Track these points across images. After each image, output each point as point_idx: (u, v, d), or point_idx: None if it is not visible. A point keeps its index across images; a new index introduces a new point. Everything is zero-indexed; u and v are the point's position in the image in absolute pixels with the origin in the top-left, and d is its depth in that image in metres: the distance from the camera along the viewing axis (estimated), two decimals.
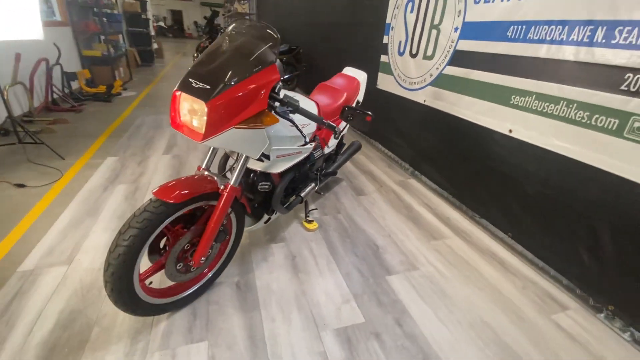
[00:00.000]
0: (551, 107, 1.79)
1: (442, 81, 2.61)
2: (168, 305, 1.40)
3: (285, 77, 1.27)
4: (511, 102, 2.02)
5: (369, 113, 1.32)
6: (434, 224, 2.30)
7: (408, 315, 1.54)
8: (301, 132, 1.46)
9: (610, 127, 1.53)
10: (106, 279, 1.12)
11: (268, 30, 1.23)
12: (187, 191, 1.21)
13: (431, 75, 2.72)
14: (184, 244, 1.32)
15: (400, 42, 3.11)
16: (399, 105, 3.20)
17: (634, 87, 1.43)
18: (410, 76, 3.00)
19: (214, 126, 1.11)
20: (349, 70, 2.56)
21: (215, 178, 1.35)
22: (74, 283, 1.57)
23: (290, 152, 1.57)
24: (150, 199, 1.19)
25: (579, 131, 1.66)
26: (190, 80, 1.14)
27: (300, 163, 1.81)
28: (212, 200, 1.35)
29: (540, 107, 1.85)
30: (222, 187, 1.33)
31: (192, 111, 1.15)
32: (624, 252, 1.54)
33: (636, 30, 1.41)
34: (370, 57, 3.63)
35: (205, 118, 1.10)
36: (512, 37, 1.98)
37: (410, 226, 2.25)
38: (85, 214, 2.11)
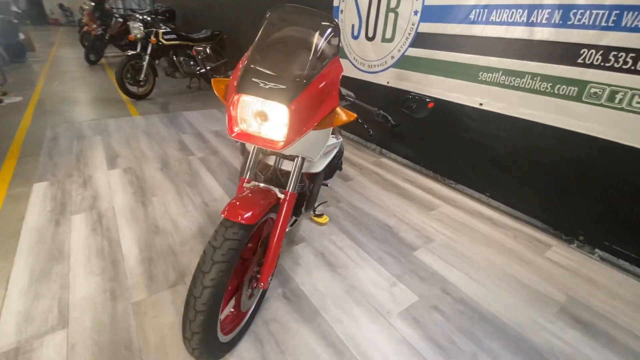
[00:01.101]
0: (517, 80, 2.08)
1: (405, 63, 2.77)
2: (235, 338, 1.23)
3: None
4: (479, 78, 2.27)
5: (431, 99, 1.30)
6: (423, 197, 2.50)
7: (449, 283, 1.68)
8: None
9: (570, 94, 1.87)
10: (193, 331, 0.93)
11: (324, 17, 1.12)
12: (258, 208, 1.07)
13: (393, 57, 2.86)
14: (254, 266, 1.17)
15: (353, 25, 3.15)
16: (359, 88, 3.27)
17: (588, 60, 1.77)
18: (369, 59, 3.09)
19: (296, 131, 0.99)
20: None
21: (271, 187, 1.21)
22: (89, 348, 1.25)
23: (331, 147, 1.50)
24: (224, 225, 1.01)
25: (543, 99, 1.99)
26: (255, 80, 0.98)
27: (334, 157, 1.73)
28: (271, 213, 1.21)
29: (507, 82, 2.13)
30: (282, 196, 1.20)
31: (262, 116, 1.00)
32: (585, 193, 1.95)
33: (587, 12, 1.73)
34: None
35: (287, 122, 0.96)
36: (475, 19, 2.21)
37: (405, 202, 2.40)
38: (48, 260, 1.65)
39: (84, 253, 1.72)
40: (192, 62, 4.85)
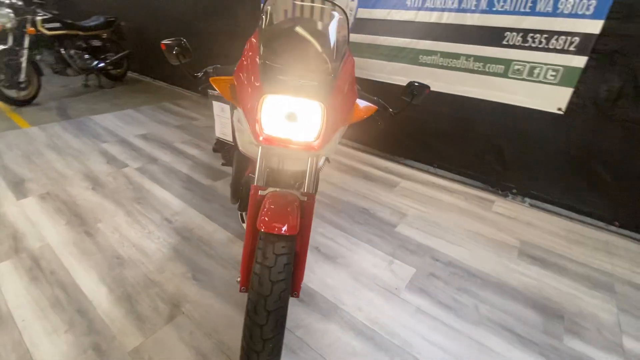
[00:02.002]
0: (454, 61, 2.34)
1: None
2: None
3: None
4: (420, 60, 2.48)
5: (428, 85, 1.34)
6: (382, 176, 2.66)
7: (434, 250, 1.86)
8: None
9: (498, 71, 2.19)
10: None
11: (331, 5, 1.05)
12: (293, 215, 0.99)
13: None
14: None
15: (286, 11, 3.04)
16: None
17: (511, 41, 2.08)
18: None
19: (331, 129, 0.94)
20: None
21: (290, 191, 1.14)
22: None
23: None
24: (270, 241, 0.91)
25: (476, 77, 2.28)
26: (282, 77, 0.89)
27: None
28: None
29: (445, 63, 2.38)
30: (305, 198, 1.14)
31: (292, 116, 0.91)
32: (513, 153, 2.35)
33: (509, 0, 2.02)
34: (246, 29, 3.38)
35: (322, 121, 0.91)
36: (411, 5, 2.38)
37: (370, 184, 2.53)
38: None
39: (33, 309, 1.36)
40: (86, 56, 4.05)
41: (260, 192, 1.12)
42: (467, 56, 2.27)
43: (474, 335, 1.39)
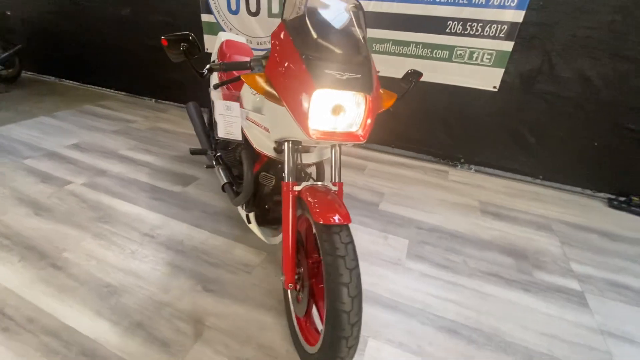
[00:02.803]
0: (405, 49, 2.55)
1: None
2: None
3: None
4: (374, 49, 2.63)
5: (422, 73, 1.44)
6: (351, 161, 2.80)
7: (417, 221, 2.08)
8: None
9: (444, 56, 2.47)
10: (350, 345, 0.90)
11: None
12: (341, 205, 1.03)
13: None
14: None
15: (306, 1, 2.88)
16: None
17: (453, 29, 2.36)
18: (258, 36, 2.95)
19: (373, 119, 0.99)
20: (228, 35, 2.23)
21: (322, 183, 1.16)
22: None
23: None
24: (334, 232, 0.94)
25: (426, 62, 2.54)
26: (329, 72, 0.90)
27: None
28: None
29: (396, 50, 2.58)
30: (336, 188, 1.18)
31: (339, 109, 0.94)
32: (460, 127, 2.70)
33: None
34: (184, 17, 3.11)
35: (366, 112, 0.96)
36: None
37: (343, 169, 2.63)
38: None
39: None
40: None
41: (295, 188, 1.13)
42: (417, 43, 2.50)
43: (471, 285, 1.63)
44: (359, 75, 0.94)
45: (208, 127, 2.11)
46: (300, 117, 0.93)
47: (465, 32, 2.34)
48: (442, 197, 2.36)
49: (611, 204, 2.40)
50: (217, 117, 1.29)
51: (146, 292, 1.45)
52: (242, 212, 1.58)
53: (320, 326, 1.19)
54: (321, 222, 0.95)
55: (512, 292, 1.60)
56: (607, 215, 2.30)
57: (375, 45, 2.61)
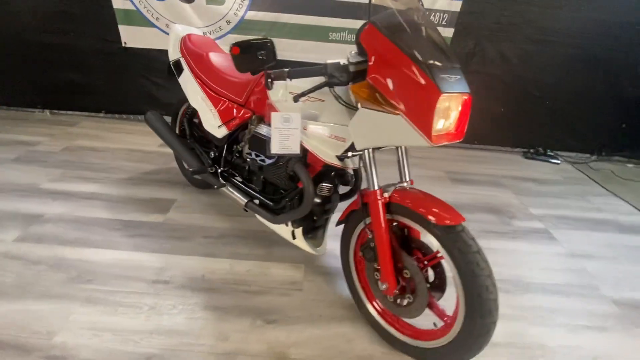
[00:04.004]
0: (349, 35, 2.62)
1: (247, 27, 2.58)
2: None
3: None
4: (330, 37, 2.62)
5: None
6: None
7: None
8: None
9: None
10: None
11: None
12: (446, 203, 1.09)
13: (229, 22, 2.55)
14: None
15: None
16: None
17: None
18: (195, 25, 2.56)
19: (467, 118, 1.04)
20: (188, 29, 1.86)
21: (402, 185, 1.18)
22: None
23: None
24: (458, 231, 0.98)
25: None
26: (444, 76, 0.90)
27: None
28: None
29: (352, 39, 2.62)
30: (412, 186, 1.22)
31: (448, 111, 0.96)
32: None
33: None
34: (89, 2, 2.45)
35: (460, 112, 1.00)
36: None
37: None
38: None
39: None
40: None
41: (384, 194, 1.13)
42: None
43: (482, 245, 1.90)
44: (460, 76, 0.98)
45: (191, 139, 1.79)
46: (422, 123, 0.92)
47: None
48: (415, 172, 2.59)
49: (526, 155, 3.08)
50: (273, 131, 1.13)
51: (203, 348, 1.22)
52: (284, 229, 1.45)
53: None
54: (447, 224, 0.98)
55: (505, 242, 1.94)
56: (528, 165, 2.95)
57: (331, 34, 2.60)
